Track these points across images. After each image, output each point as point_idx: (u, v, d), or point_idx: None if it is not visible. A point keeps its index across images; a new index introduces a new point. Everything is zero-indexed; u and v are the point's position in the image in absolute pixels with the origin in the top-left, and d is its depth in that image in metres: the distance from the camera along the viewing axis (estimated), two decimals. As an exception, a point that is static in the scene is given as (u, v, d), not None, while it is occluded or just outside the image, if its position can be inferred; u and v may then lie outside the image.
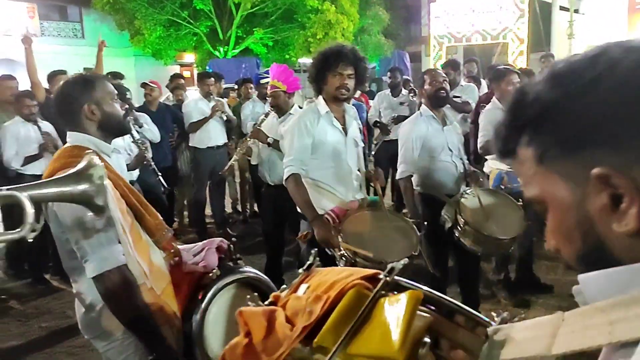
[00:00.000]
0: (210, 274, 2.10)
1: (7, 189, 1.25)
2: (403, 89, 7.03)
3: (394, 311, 1.15)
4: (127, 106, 4.81)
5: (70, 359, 3.73)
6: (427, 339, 1.09)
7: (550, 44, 15.24)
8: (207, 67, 16.71)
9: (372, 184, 4.85)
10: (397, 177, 3.70)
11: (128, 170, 4.62)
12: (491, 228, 3.27)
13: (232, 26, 18.49)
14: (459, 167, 3.68)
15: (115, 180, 1.91)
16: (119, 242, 1.84)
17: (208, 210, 6.62)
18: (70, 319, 4.26)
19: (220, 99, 6.67)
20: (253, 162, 4.86)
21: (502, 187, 3.96)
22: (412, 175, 3.62)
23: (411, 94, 6.77)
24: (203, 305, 1.99)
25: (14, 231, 1.22)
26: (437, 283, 3.40)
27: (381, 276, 1.25)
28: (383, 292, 1.25)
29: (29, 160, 4.80)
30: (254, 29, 18.24)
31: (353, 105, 6.72)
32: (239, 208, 7.59)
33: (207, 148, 6.22)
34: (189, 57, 21.34)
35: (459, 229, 3.29)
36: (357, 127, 3.28)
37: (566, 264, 0.73)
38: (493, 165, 4.27)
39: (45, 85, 5.41)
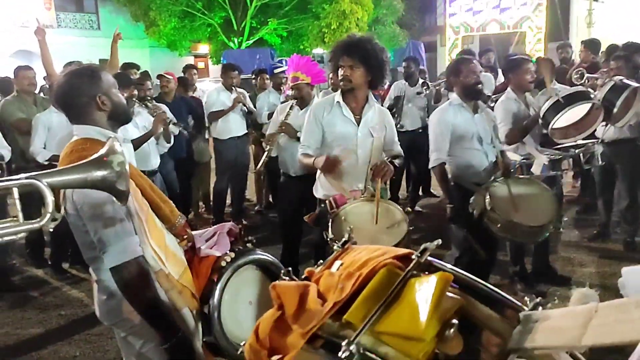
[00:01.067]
0: (224, 258, 2.13)
1: (27, 177, 1.24)
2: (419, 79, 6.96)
3: (424, 292, 1.16)
4: (134, 92, 4.87)
5: (88, 346, 3.77)
6: (455, 321, 1.09)
7: (568, 33, 14.99)
8: (222, 58, 16.74)
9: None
10: (430, 165, 3.66)
11: (150, 138, 4.76)
12: (520, 215, 3.23)
13: (247, 17, 18.48)
14: (490, 156, 3.66)
15: (129, 170, 1.92)
16: (136, 233, 1.86)
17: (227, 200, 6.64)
18: (87, 308, 4.32)
19: (243, 90, 6.67)
20: (272, 154, 4.85)
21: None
22: (444, 163, 3.61)
23: (424, 87, 6.71)
24: (219, 287, 2.03)
25: (33, 221, 1.20)
26: (481, 266, 3.46)
27: (413, 256, 1.24)
28: (414, 272, 1.25)
29: (56, 158, 4.79)
30: (268, 20, 18.23)
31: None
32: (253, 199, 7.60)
33: (229, 139, 6.26)
34: (204, 48, 21.38)
35: (487, 216, 3.27)
36: (375, 118, 3.23)
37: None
38: (510, 156, 4.21)
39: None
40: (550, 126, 3.75)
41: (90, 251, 1.93)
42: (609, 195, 5.16)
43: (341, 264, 1.41)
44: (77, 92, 1.96)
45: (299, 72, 4.32)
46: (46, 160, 4.72)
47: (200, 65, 21.02)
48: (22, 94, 5.38)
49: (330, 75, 4.66)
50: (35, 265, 5.38)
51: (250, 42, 19.02)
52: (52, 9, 20.41)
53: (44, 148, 4.79)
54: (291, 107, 4.61)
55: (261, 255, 2.25)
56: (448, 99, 3.94)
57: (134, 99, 4.87)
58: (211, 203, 6.85)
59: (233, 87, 6.33)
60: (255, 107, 6.62)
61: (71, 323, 4.18)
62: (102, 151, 1.42)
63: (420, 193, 7.26)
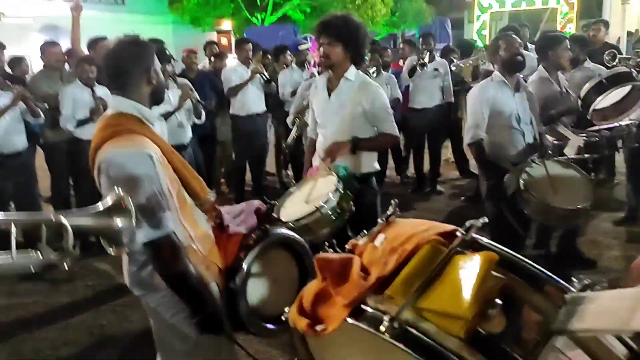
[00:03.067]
0: (251, 235, 2.14)
1: (54, 216, 1.30)
2: (437, 57, 6.82)
3: (468, 270, 1.16)
4: (167, 68, 4.90)
5: (114, 316, 3.87)
6: (498, 301, 1.09)
7: (602, 10, 14.51)
8: (245, 34, 16.66)
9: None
10: (467, 142, 3.62)
11: (174, 112, 4.86)
12: (555, 198, 3.17)
13: (270, -8, 18.30)
14: (527, 136, 3.60)
15: (162, 147, 1.95)
16: (168, 210, 1.88)
17: (248, 177, 6.68)
18: (113, 279, 4.43)
19: (259, 64, 6.62)
20: (296, 133, 4.83)
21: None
22: (482, 140, 3.54)
23: (452, 65, 6.60)
24: (245, 264, 2.05)
25: (54, 254, 1.26)
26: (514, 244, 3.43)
27: (458, 233, 1.23)
28: (459, 249, 1.25)
29: (81, 123, 4.92)
30: (292, -5, 18.03)
31: (392, 73, 6.71)
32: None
33: (247, 116, 6.20)
34: (227, 24, 21.28)
35: (521, 196, 3.22)
36: (351, 93, 3.13)
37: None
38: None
39: (86, 52, 5.48)
40: (592, 108, 3.66)
41: None
42: (637, 179, 5.05)
43: (385, 238, 1.41)
44: (133, 61, 1.96)
45: None
46: (75, 127, 4.92)
47: (223, 41, 20.95)
48: (49, 70, 5.45)
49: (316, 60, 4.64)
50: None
51: (274, 18, 18.87)
52: (78, -16, 20.47)
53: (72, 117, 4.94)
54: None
55: (287, 234, 2.27)
56: (487, 77, 3.87)
57: (168, 74, 4.92)
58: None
59: (250, 60, 6.24)
60: (277, 84, 6.59)
61: (97, 293, 4.30)
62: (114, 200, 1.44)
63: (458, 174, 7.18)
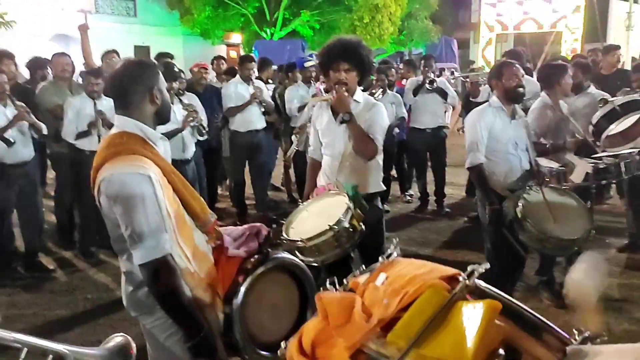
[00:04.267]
0: (251, 259, 2.13)
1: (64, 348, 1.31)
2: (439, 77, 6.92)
3: (471, 318, 1.15)
4: (174, 85, 4.93)
5: (112, 331, 3.77)
6: (501, 351, 1.09)
7: (606, 36, 14.58)
8: (253, 48, 16.80)
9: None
10: (467, 166, 3.61)
11: (177, 134, 4.87)
12: (552, 227, 3.16)
13: (280, 8, 18.49)
14: (524, 162, 3.61)
15: (163, 167, 1.95)
16: (166, 230, 1.88)
17: (250, 192, 6.69)
18: (112, 292, 4.42)
19: (261, 82, 6.65)
20: (299, 149, 4.84)
21: (552, 185, 3.82)
22: (482, 163, 3.54)
23: (451, 77, 6.69)
24: (244, 288, 2.03)
25: None
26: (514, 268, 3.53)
27: (460, 278, 1.24)
28: (461, 295, 1.23)
29: (80, 136, 4.96)
30: (301, 11, 18.20)
31: (397, 92, 6.76)
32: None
33: (247, 132, 6.21)
34: (236, 37, 21.46)
35: (519, 224, 3.20)
36: (355, 114, 3.12)
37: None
38: (541, 163, 4.11)
39: (98, 63, 5.54)
40: (605, 134, 3.66)
41: (120, 243, 1.96)
42: (637, 206, 5.02)
43: (386, 278, 1.41)
44: (135, 81, 1.98)
45: None
46: (75, 139, 4.96)
47: (233, 54, 21.11)
48: (57, 80, 5.51)
49: (322, 78, 4.66)
50: (65, 247, 5.52)
51: (283, 33, 19.04)
52: (91, -5, 20.73)
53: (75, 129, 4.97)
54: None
55: (288, 258, 2.25)
56: (487, 97, 3.89)
57: (173, 92, 4.96)
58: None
59: (251, 80, 6.22)
60: (284, 100, 6.63)
61: (96, 307, 4.28)
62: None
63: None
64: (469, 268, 1.25)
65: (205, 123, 5.38)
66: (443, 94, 6.56)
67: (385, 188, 3.36)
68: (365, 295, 1.38)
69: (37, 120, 4.77)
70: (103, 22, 20.19)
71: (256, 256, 2.14)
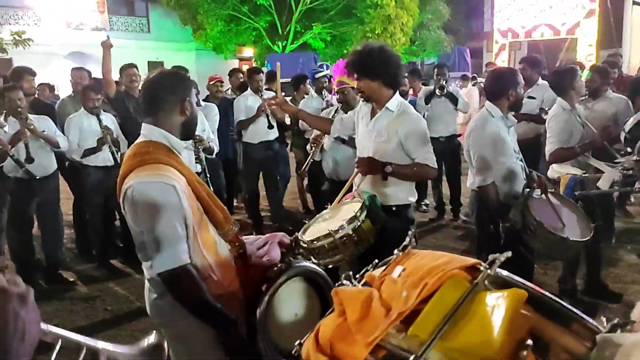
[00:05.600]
0: (274, 268, 2.14)
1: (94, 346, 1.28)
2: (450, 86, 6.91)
3: (496, 308, 1.12)
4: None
5: (132, 341, 3.85)
6: (529, 341, 1.06)
7: (622, 41, 14.45)
8: (266, 61, 16.93)
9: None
10: (478, 184, 3.46)
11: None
12: (564, 230, 3.13)
13: (292, 21, 18.63)
14: (524, 169, 3.55)
15: (188, 176, 1.98)
16: (187, 240, 1.90)
17: (265, 203, 6.70)
18: (132, 304, 4.44)
19: (272, 93, 6.66)
20: (316, 159, 4.83)
21: (576, 192, 3.78)
22: (494, 182, 3.40)
23: (473, 82, 6.68)
24: (267, 297, 2.03)
25: None
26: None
27: (481, 267, 1.21)
28: (483, 284, 1.20)
29: (88, 152, 5.00)
30: (313, 24, 18.33)
31: (409, 102, 6.75)
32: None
33: (259, 143, 6.23)
34: (248, 51, 21.68)
35: (529, 231, 3.15)
36: (385, 124, 3.10)
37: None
38: (562, 170, 4.07)
39: (116, 77, 5.60)
40: None
41: (144, 251, 1.98)
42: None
43: (403, 270, 1.37)
44: (169, 90, 2.01)
45: (344, 77, 4.34)
46: (82, 157, 5.00)
47: (245, 68, 21.30)
48: (76, 95, 5.59)
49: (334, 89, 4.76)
50: (85, 260, 5.57)
51: (295, 45, 19.17)
52: (105, 12, 21.10)
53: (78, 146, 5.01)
54: (336, 111, 4.62)
55: (308, 267, 2.25)
56: None
57: None
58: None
59: (260, 91, 6.21)
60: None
61: (116, 318, 4.30)
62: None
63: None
64: (490, 257, 1.22)
65: (216, 140, 5.38)
66: (454, 99, 6.55)
67: (412, 201, 3.23)
68: (382, 288, 1.35)
69: (46, 135, 4.77)
70: (117, 39, 20.43)
71: (279, 265, 2.15)
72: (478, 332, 1.11)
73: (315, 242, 2.72)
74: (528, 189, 3.32)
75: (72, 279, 5.06)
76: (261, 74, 6.40)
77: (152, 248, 1.88)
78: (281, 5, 18.42)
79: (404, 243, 1.55)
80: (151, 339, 1.38)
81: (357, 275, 1.60)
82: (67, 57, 19.23)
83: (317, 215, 3.10)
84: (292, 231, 2.82)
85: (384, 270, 1.47)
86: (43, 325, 1.04)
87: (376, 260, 1.59)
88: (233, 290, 2.05)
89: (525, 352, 1.04)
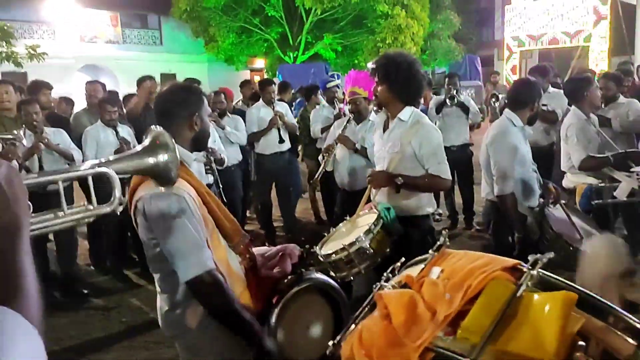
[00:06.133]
0: (285, 280, 2.14)
1: (98, 165, 1.29)
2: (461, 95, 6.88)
3: (547, 311, 1.12)
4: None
5: (147, 353, 3.90)
6: (581, 342, 1.07)
7: (634, 48, 14.33)
8: (277, 72, 17.03)
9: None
10: (497, 193, 3.43)
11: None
12: (581, 242, 3.08)
13: (303, 32, 18.74)
14: (538, 180, 3.53)
15: (197, 188, 1.99)
16: (208, 246, 1.90)
17: (278, 214, 6.72)
18: (146, 315, 4.47)
19: (284, 104, 6.70)
20: (328, 169, 4.84)
21: (593, 202, 3.75)
22: (512, 192, 3.38)
23: (493, 99, 6.65)
24: (278, 309, 2.02)
25: (104, 205, 1.26)
26: None
27: (524, 268, 1.21)
28: (527, 285, 1.20)
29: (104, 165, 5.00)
30: (324, 35, 18.42)
31: (421, 110, 6.75)
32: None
33: (271, 154, 6.26)
34: (260, 62, 21.84)
35: (546, 242, 3.14)
36: (398, 134, 3.09)
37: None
38: (578, 180, 4.04)
39: (133, 90, 5.66)
40: None
41: (156, 263, 1.99)
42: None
43: (441, 271, 1.38)
44: (180, 105, 2.04)
45: (356, 87, 4.36)
46: None
47: (257, 79, 21.46)
48: (91, 107, 5.67)
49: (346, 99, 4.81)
50: (99, 272, 5.62)
51: (306, 56, 19.27)
52: (119, 26, 21.40)
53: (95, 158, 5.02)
54: (348, 121, 4.64)
55: (320, 279, 2.23)
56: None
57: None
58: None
59: (272, 102, 6.22)
60: (307, 122, 6.68)
61: (131, 330, 4.33)
62: (149, 140, 1.42)
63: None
64: (531, 257, 1.22)
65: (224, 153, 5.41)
66: (465, 109, 6.54)
67: (430, 211, 3.20)
68: (422, 290, 1.35)
69: (61, 148, 4.81)
70: (130, 51, 20.81)
71: (290, 277, 2.15)
72: (530, 335, 1.11)
73: (332, 256, 2.73)
74: (543, 200, 3.31)
75: (86, 291, 5.10)
76: (273, 86, 6.41)
77: (175, 259, 1.87)
78: (292, 16, 18.55)
79: (439, 243, 1.54)
80: (149, 135, 1.37)
81: (389, 275, 1.59)
82: (81, 69, 19.51)
83: (335, 229, 3.11)
84: (304, 242, 2.82)
85: (421, 271, 1.46)
86: None
87: (403, 259, 1.57)
88: (243, 303, 2.03)
89: (578, 354, 1.06)
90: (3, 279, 0.84)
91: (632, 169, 3.72)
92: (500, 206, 3.46)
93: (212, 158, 4.91)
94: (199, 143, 2.12)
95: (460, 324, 1.22)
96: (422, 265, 1.52)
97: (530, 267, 1.21)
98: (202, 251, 1.87)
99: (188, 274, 1.86)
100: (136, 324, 4.41)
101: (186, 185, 1.93)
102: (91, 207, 1.23)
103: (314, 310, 2.20)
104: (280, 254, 2.28)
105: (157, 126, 1.50)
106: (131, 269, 5.47)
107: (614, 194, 3.59)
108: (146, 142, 1.38)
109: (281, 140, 6.21)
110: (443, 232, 1.55)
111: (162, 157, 1.37)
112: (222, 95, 5.98)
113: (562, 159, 4.21)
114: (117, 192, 1.21)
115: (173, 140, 1.42)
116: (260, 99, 6.36)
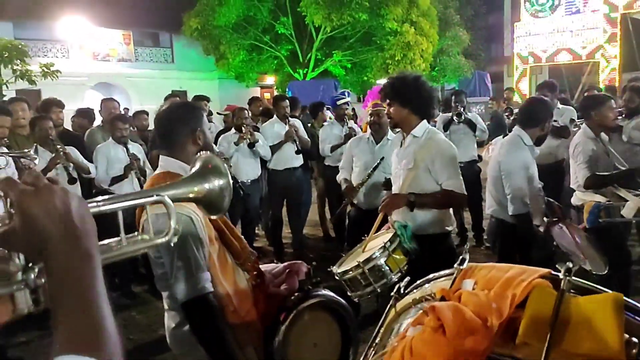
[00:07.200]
0: (292, 297, 2.14)
1: (155, 193, 1.24)
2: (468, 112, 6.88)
3: (600, 311, 1.19)
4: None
5: (154, 371, 3.88)
6: (635, 340, 1.13)
7: (645, 63, 14.28)
8: (287, 89, 17.15)
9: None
10: (512, 213, 3.39)
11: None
12: (585, 262, 3.09)
13: (312, 49, 18.90)
14: (543, 199, 3.52)
15: None
16: (208, 270, 1.91)
17: (287, 231, 6.71)
18: (154, 333, 4.45)
19: (297, 119, 6.73)
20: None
21: (600, 220, 3.72)
22: (529, 212, 3.37)
23: (506, 113, 6.65)
24: (285, 326, 2.02)
25: (160, 235, 1.23)
26: None
27: (561, 276, 1.26)
28: (571, 292, 1.26)
29: (115, 180, 5.05)
30: (333, 52, 18.56)
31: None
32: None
33: (284, 170, 6.27)
34: (270, 79, 22.01)
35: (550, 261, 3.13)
36: (411, 152, 3.10)
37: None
38: (586, 197, 4.00)
39: (149, 107, 5.72)
40: None
41: (163, 282, 2.00)
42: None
43: (475, 283, 1.42)
44: (181, 122, 2.06)
45: (378, 100, 4.39)
46: (110, 185, 5.05)
47: (267, 95, 21.62)
48: (105, 124, 5.73)
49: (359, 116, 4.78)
50: (108, 288, 5.59)
51: (315, 73, 19.40)
52: (131, 44, 21.71)
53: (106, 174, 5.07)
54: (367, 141, 4.64)
55: (327, 295, 2.23)
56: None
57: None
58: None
59: (287, 118, 6.26)
60: (318, 139, 6.69)
61: (139, 347, 4.31)
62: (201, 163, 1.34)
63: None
64: (561, 266, 1.26)
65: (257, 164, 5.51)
66: (472, 126, 6.53)
67: (449, 229, 3.18)
68: (464, 301, 1.36)
69: (78, 161, 4.88)
70: (143, 69, 21.08)
71: (297, 294, 2.15)
72: (593, 336, 1.16)
73: (348, 273, 2.73)
74: (547, 219, 3.29)
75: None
76: (286, 101, 6.46)
77: (175, 278, 1.89)
78: (302, 34, 18.73)
79: (461, 257, 1.55)
80: (199, 160, 1.30)
81: (409, 287, 1.62)
82: (93, 87, 19.78)
83: (353, 248, 3.11)
84: (312, 259, 2.82)
85: (452, 285, 1.48)
86: None
87: (431, 275, 1.59)
88: (250, 320, 2.04)
89: (634, 351, 1.12)
90: (83, 325, 0.72)
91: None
92: (518, 224, 3.42)
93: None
94: None
95: (511, 331, 1.26)
96: (444, 280, 1.55)
97: (566, 274, 1.26)
98: (200, 274, 1.88)
99: (184, 295, 1.87)
100: (143, 341, 4.39)
101: (193, 205, 1.93)
102: (147, 237, 1.20)
103: (322, 327, 2.20)
104: (287, 270, 2.28)
105: (203, 152, 1.40)
106: (140, 285, 5.47)
107: (622, 213, 3.55)
108: (196, 166, 1.32)
109: (298, 151, 6.23)
110: (464, 247, 1.58)
111: (217, 183, 1.29)
112: (246, 112, 6.03)
113: (571, 177, 4.19)
114: (173, 222, 1.18)
115: (225, 165, 1.33)
116: (275, 115, 6.42)
